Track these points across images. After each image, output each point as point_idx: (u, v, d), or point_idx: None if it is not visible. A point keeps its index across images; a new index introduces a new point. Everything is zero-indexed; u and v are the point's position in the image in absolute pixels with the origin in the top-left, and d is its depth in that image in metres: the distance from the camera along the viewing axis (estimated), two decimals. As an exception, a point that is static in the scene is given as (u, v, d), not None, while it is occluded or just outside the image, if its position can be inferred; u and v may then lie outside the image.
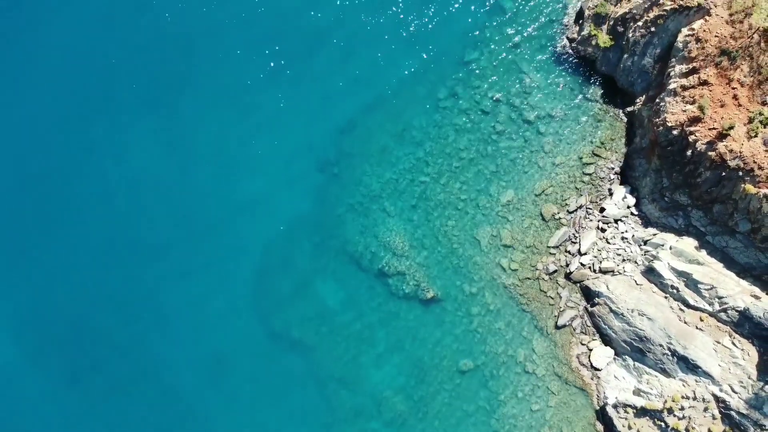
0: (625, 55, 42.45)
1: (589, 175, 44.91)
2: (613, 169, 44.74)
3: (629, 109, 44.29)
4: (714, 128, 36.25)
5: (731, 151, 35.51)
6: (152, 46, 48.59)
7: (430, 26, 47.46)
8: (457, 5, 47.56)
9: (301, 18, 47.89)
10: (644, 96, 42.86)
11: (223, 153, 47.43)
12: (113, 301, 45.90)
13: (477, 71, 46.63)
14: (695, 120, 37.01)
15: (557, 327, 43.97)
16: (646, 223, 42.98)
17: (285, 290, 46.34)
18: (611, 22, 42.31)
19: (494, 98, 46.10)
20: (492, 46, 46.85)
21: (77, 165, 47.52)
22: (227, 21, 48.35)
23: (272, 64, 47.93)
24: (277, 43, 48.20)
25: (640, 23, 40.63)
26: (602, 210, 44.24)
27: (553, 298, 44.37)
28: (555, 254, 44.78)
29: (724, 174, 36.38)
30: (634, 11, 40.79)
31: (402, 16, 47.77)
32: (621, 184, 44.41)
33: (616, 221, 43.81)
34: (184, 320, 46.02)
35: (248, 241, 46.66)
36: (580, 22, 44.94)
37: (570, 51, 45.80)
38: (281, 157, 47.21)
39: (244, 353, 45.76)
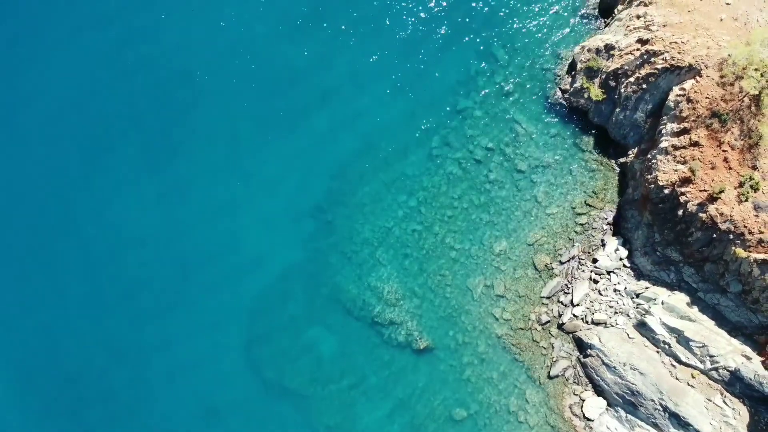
0: (618, 109, 42.57)
1: (582, 225, 45.00)
2: (605, 219, 44.83)
3: (622, 160, 44.43)
4: (705, 190, 36.38)
5: (722, 214, 35.62)
6: (147, 98, 48.61)
7: (422, 74, 47.52)
8: (450, 53, 47.59)
9: (294, 66, 47.86)
10: (636, 149, 43.01)
11: (216, 201, 47.30)
12: (109, 352, 45.70)
13: (470, 120, 46.77)
14: (686, 181, 37.13)
15: (550, 377, 43.99)
16: (639, 275, 43.06)
17: (278, 339, 46.22)
18: (603, 76, 42.40)
19: (487, 147, 46.17)
20: (484, 95, 46.99)
21: (71, 217, 47.43)
22: (221, 72, 48.38)
23: (264, 112, 47.85)
24: (269, 91, 48.18)
25: (632, 79, 40.76)
26: (595, 261, 44.31)
27: (545, 348, 44.41)
28: (547, 304, 44.82)
29: (715, 236, 36.53)
30: (626, 67, 40.91)
31: (395, 63, 47.78)
32: (614, 234, 44.51)
33: (608, 273, 43.87)
34: (176, 370, 45.78)
35: (241, 290, 46.48)
36: (573, 73, 45.03)
37: (562, 101, 45.90)
38: (274, 205, 47.15)
39: (236, 402, 45.54)
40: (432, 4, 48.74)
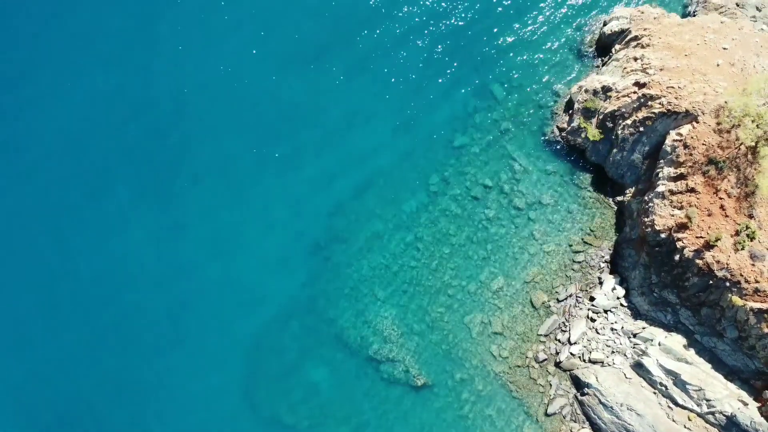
0: (615, 150, 42.68)
1: (579, 263, 45.10)
2: (603, 257, 44.93)
3: (619, 198, 44.54)
4: (701, 237, 36.48)
5: (718, 262, 35.74)
6: (144, 138, 48.66)
7: (420, 112, 47.61)
8: (447, 90, 47.70)
9: (292, 104, 47.93)
10: (634, 188, 43.12)
11: (214, 237, 47.25)
12: (105, 386, 45.42)
13: (467, 157, 46.86)
14: (683, 226, 37.24)
15: (547, 414, 44.06)
16: (636, 314, 43.16)
17: (276, 375, 46.12)
18: (600, 117, 42.51)
19: (484, 185, 46.28)
20: (482, 132, 47.14)
21: (68, 255, 47.35)
22: (220, 111, 48.45)
23: (263, 150, 47.92)
24: (268, 127, 48.25)
25: (628, 121, 40.86)
26: (592, 299, 44.40)
27: (543, 386, 44.49)
28: (545, 342, 44.91)
29: (711, 282, 36.63)
30: (623, 109, 41.00)
31: (393, 100, 47.87)
32: (611, 273, 44.61)
33: (605, 311, 43.97)
34: (174, 405, 45.68)
35: (239, 327, 46.40)
36: (570, 112, 45.13)
37: (559, 139, 46.01)
38: (273, 241, 47.13)
39: (234, 439, 45.72)
40: (429, 43, 48.87)
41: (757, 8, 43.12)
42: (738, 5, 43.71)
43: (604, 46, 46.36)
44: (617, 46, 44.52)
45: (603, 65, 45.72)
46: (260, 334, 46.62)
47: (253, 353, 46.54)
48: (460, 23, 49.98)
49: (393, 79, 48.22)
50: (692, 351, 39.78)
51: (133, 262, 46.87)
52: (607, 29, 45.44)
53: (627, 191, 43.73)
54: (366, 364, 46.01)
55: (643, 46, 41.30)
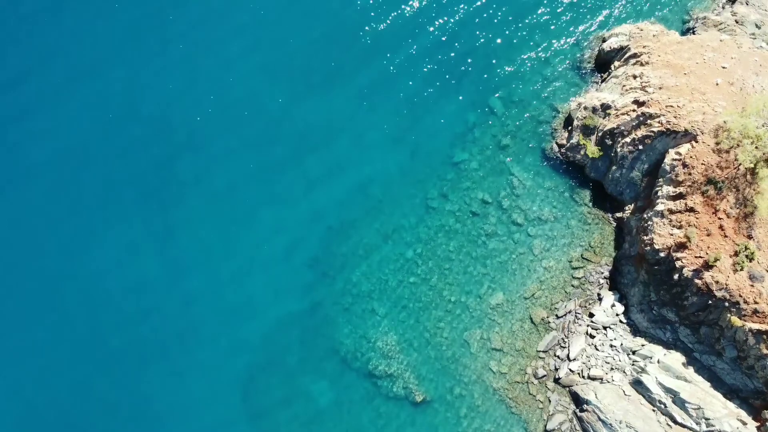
0: (614, 167, 42.69)
1: (579, 279, 45.11)
2: (602, 273, 44.95)
3: (618, 215, 44.54)
4: (700, 257, 36.49)
5: (717, 282, 35.75)
6: (144, 153, 48.66)
7: (420, 126, 47.60)
8: (447, 105, 47.70)
9: (291, 119, 47.93)
10: (633, 205, 43.15)
11: (212, 253, 47.13)
12: (103, 404, 45.43)
13: (466, 172, 46.84)
14: (682, 246, 37.25)
15: (546, 430, 43.96)
16: (635, 331, 43.17)
17: (275, 390, 46.02)
18: (600, 134, 42.51)
19: (484, 200, 46.29)
20: (481, 147, 47.10)
21: (68, 267, 47.40)
22: (218, 124, 48.41)
23: (263, 162, 47.88)
24: (267, 142, 48.24)
25: (627, 139, 40.88)
26: (591, 315, 44.41)
27: (542, 402, 44.47)
28: (544, 358, 44.91)
29: (710, 302, 36.65)
30: (622, 127, 41.02)
31: (393, 115, 47.89)
32: (610, 289, 44.61)
33: (605, 328, 43.97)
34: (172, 423, 45.71)
35: (238, 341, 46.29)
36: (569, 128, 45.14)
37: (559, 155, 46.02)
38: (271, 256, 47.03)
39: (232, 454, 45.66)
40: (429, 58, 48.94)
41: (757, 25, 43.14)
42: (737, 22, 43.73)
43: (604, 63, 46.35)
44: (616, 63, 44.54)
45: (602, 81, 45.74)
46: (259, 347, 46.47)
47: (252, 368, 46.35)
48: (459, 39, 50.00)
49: (394, 94, 48.19)
50: (691, 369, 39.79)
51: (129, 274, 46.71)
52: (606, 46, 45.45)
53: (626, 208, 43.75)
54: (365, 379, 45.94)
55: (642, 64, 41.32)
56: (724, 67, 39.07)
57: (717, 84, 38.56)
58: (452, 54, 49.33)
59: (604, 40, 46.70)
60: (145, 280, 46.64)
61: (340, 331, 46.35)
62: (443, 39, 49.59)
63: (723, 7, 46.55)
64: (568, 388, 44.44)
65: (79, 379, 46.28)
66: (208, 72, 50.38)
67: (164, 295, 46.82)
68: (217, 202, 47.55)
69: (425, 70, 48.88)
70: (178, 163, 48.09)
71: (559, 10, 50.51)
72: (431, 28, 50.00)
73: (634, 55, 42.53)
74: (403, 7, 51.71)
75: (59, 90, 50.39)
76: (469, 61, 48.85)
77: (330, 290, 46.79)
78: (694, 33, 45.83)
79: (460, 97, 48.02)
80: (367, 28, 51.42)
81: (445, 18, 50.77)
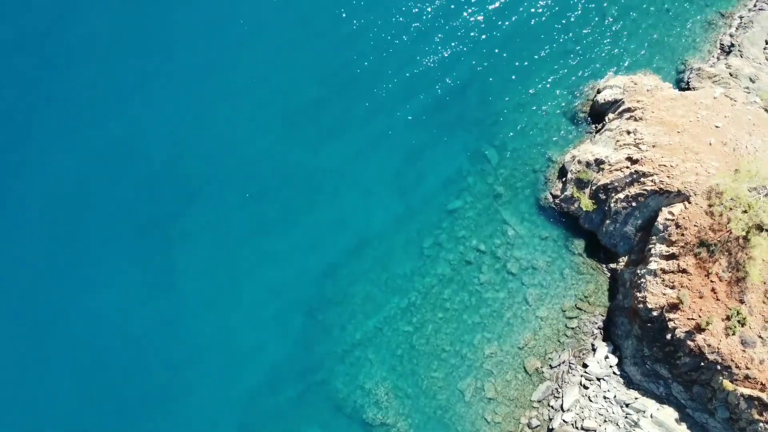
0: (608, 220, 42.75)
1: (573, 329, 45.17)
2: (596, 323, 45.02)
3: (612, 266, 44.59)
4: (693, 319, 36.57)
5: (709, 345, 35.83)
6: (139, 195, 48.78)
7: (414, 174, 47.69)
8: (441, 153, 47.81)
9: (285, 166, 48.03)
10: (626, 258, 43.21)
11: (206, 297, 47.14)
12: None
13: (461, 221, 46.90)
14: (674, 306, 37.33)
15: (540, 480, 44.20)
16: (629, 383, 43.21)
17: (268, 437, 46.36)
18: (593, 188, 42.57)
19: (478, 249, 46.38)
20: (476, 196, 47.18)
21: (57, 311, 47.22)
22: (214, 171, 48.57)
23: (256, 210, 47.92)
24: (262, 187, 48.32)
25: (621, 195, 40.95)
26: (585, 366, 44.47)
27: (536, 452, 44.58)
28: (538, 408, 44.94)
29: (702, 363, 36.72)
30: (616, 183, 41.08)
31: (387, 163, 47.98)
32: (604, 339, 44.68)
33: (598, 379, 44.02)
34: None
35: (231, 388, 46.20)
36: (564, 179, 45.19)
37: (553, 205, 46.08)
38: (265, 302, 46.95)
39: (227, 503, 45.68)
40: (423, 106, 49.06)
41: (751, 79, 43.19)
42: (732, 75, 43.78)
43: (598, 114, 46.41)
44: (611, 115, 44.58)
45: (597, 132, 45.80)
46: (252, 394, 46.27)
47: (245, 414, 46.30)
48: (454, 85, 50.18)
49: (388, 142, 48.34)
50: (684, 425, 39.83)
51: (122, 317, 46.47)
52: (600, 98, 45.51)
53: (620, 260, 43.81)
54: (359, 427, 45.79)
55: (636, 119, 41.37)
56: (717, 126, 39.11)
57: (710, 144, 38.60)
58: (447, 102, 49.43)
59: (598, 91, 46.75)
60: (134, 323, 46.34)
61: (334, 379, 46.27)
62: (437, 88, 49.73)
63: (718, 59, 46.64)
64: (561, 439, 44.61)
65: (75, 414, 46.19)
66: (213, 127, 50.55)
67: (155, 340, 46.33)
68: (209, 247, 47.44)
69: (421, 118, 48.94)
70: (179, 217, 48.32)
71: (554, 59, 50.59)
72: (425, 78, 50.17)
73: (628, 110, 42.59)
74: (397, 54, 51.96)
75: (58, 137, 50.66)
76: (464, 109, 48.94)
77: (324, 338, 46.69)
78: (688, 84, 45.89)
79: (455, 146, 48.11)
80: (358, 70, 51.71)
81: (437, 64, 50.90)
